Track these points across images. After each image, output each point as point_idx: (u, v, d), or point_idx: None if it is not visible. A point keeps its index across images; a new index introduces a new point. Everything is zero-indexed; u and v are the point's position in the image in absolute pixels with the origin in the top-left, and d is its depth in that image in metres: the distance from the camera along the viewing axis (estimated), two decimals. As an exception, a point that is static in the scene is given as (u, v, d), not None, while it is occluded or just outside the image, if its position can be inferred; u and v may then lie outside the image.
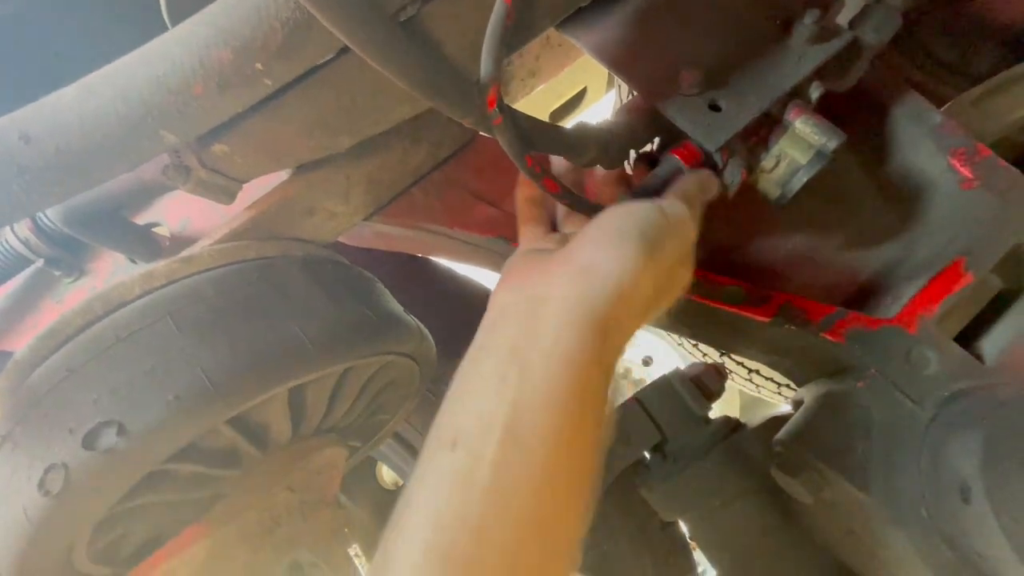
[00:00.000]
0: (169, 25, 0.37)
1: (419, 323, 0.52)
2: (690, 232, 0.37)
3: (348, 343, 0.42)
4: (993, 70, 1.01)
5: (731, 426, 0.58)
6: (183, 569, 0.46)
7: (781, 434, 0.45)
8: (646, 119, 0.49)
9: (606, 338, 0.31)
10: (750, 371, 1.41)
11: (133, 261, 0.59)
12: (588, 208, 0.43)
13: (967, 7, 0.93)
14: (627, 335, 0.33)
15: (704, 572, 0.77)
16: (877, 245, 0.53)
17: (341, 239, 0.57)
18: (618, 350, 0.32)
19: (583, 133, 0.46)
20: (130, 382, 0.34)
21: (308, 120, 0.37)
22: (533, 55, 0.59)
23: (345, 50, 0.35)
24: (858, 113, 0.53)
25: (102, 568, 0.42)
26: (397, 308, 0.51)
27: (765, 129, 0.46)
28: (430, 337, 0.53)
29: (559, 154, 0.45)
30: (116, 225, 0.53)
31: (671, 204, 0.37)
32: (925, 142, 0.49)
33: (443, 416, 0.31)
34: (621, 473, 0.59)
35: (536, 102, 0.92)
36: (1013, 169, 0.46)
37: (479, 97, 0.33)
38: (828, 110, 0.46)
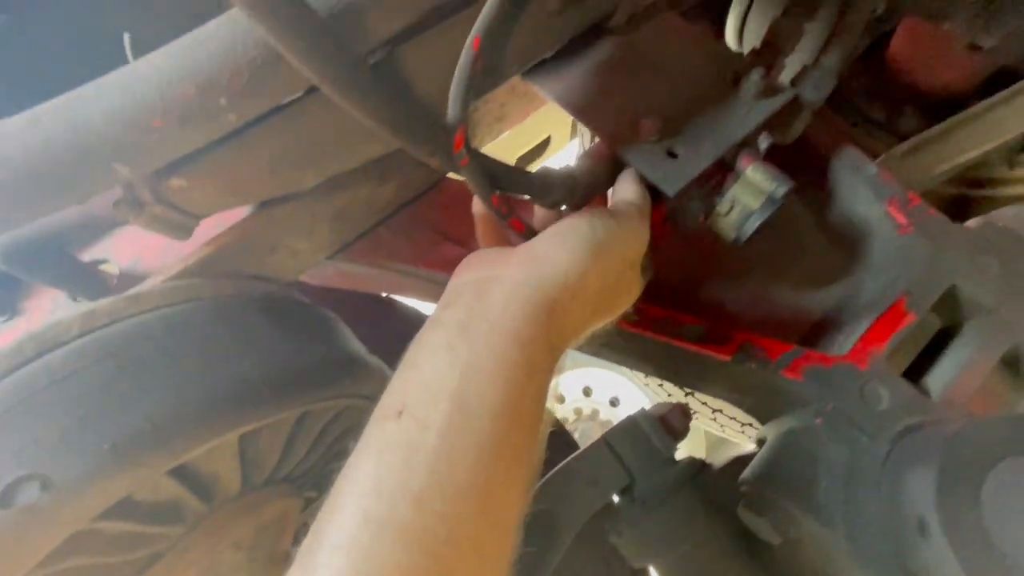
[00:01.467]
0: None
1: (382, 364, 0.51)
2: (640, 237, 0.41)
3: (305, 386, 0.41)
4: (917, 129, 1.11)
5: (697, 466, 0.58)
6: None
7: (746, 473, 0.45)
8: (608, 164, 0.51)
9: (551, 317, 0.33)
10: (714, 411, 1.43)
11: (75, 299, 0.56)
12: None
13: (891, 73, 1.03)
14: (574, 322, 0.35)
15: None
16: (828, 285, 0.56)
17: (303, 277, 0.56)
18: (563, 333, 0.34)
19: (548, 176, 0.47)
20: (60, 430, 0.31)
21: (272, 157, 0.37)
22: (499, 102, 0.61)
23: (312, 89, 0.35)
24: (804, 162, 0.57)
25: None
26: (359, 348, 0.50)
27: (719, 175, 0.49)
28: (393, 378, 0.52)
29: (526, 195, 0.46)
30: (58, 261, 0.50)
31: (623, 211, 0.41)
32: (864, 191, 0.53)
33: (390, 389, 0.31)
34: (588, 520, 0.58)
35: (503, 148, 0.95)
36: (942, 216, 0.49)
37: (446, 138, 0.34)
38: (777, 159, 0.49)
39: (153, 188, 0.37)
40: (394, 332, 0.86)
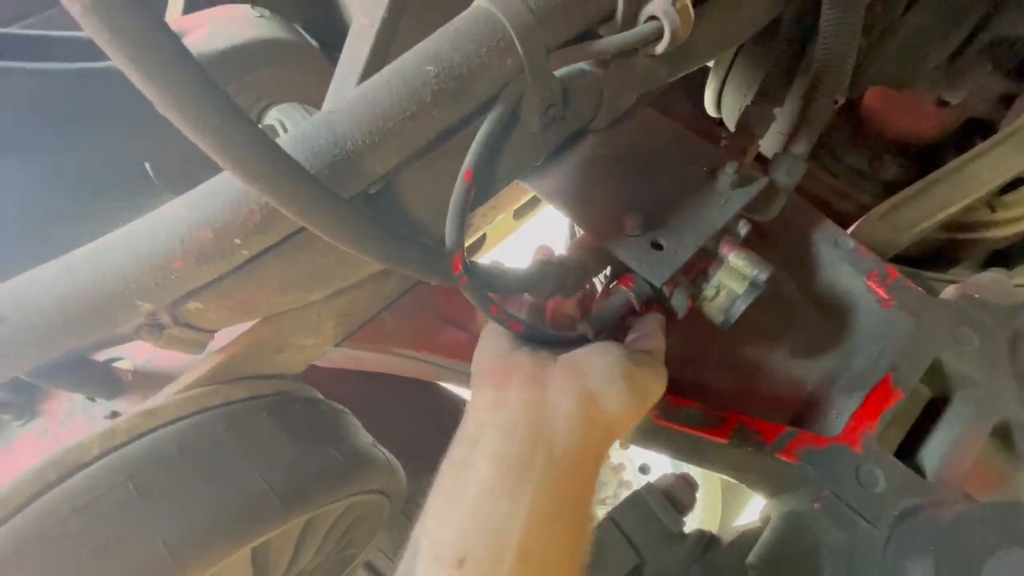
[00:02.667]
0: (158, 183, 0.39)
1: (388, 456, 0.52)
2: (663, 375, 0.42)
3: (315, 492, 0.42)
4: (898, 176, 1.15)
5: (705, 541, 0.57)
6: None
7: (752, 557, 0.45)
8: (596, 255, 0.54)
9: (599, 460, 0.35)
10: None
11: (91, 400, 0.57)
12: (552, 340, 0.46)
13: (868, 123, 1.08)
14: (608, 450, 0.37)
15: None
16: (818, 356, 0.57)
17: (320, 362, 0.58)
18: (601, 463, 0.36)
19: (541, 271, 0.50)
20: (80, 562, 0.33)
21: (283, 279, 0.39)
22: (493, 190, 0.65)
23: (319, 218, 0.38)
24: (787, 236, 0.60)
25: None
26: (366, 442, 0.51)
27: (704, 262, 0.52)
28: (400, 469, 0.53)
29: (523, 292, 0.48)
30: (73, 366, 0.52)
31: (657, 356, 0.43)
32: (844, 265, 0.55)
33: (442, 531, 0.31)
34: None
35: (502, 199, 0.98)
36: (920, 291, 0.51)
37: (445, 263, 0.37)
38: (762, 234, 0.52)
39: (172, 313, 0.39)
40: (400, 403, 0.87)
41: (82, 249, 0.34)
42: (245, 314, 0.42)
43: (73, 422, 0.55)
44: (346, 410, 0.54)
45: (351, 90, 0.36)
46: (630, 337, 0.46)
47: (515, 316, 0.43)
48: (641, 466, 1.85)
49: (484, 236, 1.00)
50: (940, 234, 0.89)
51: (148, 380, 0.54)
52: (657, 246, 0.50)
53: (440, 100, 0.34)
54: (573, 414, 0.35)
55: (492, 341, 0.44)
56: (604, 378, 0.37)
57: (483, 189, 0.42)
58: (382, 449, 0.52)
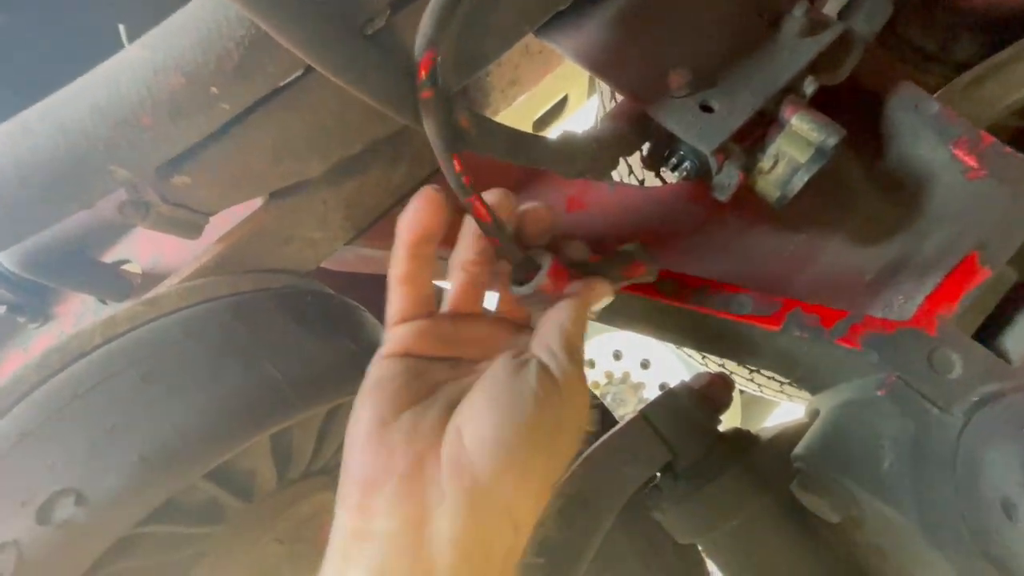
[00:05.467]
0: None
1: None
2: (582, 399, 0.30)
3: (331, 382, 0.39)
4: (973, 56, 1.00)
5: (744, 440, 0.55)
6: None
7: (800, 449, 0.42)
8: (635, 124, 0.47)
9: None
10: (751, 371, 1.39)
11: (103, 302, 0.56)
12: (520, 259, 0.33)
13: (943, -4, 0.93)
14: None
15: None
16: (882, 241, 0.51)
17: (326, 264, 0.54)
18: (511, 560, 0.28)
19: (570, 142, 0.44)
20: (90, 444, 0.31)
21: (274, 145, 0.34)
22: (512, 64, 0.57)
23: (310, 69, 0.32)
24: (853, 106, 0.51)
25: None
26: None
27: (760, 128, 0.44)
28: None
29: (545, 166, 0.42)
30: (80, 265, 0.50)
31: (573, 377, 0.30)
32: (925, 132, 0.47)
33: None
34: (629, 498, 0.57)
35: (516, 112, 0.90)
36: (1021, 156, 0.44)
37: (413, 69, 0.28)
38: (823, 104, 0.44)
39: (157, 188, 0.35)
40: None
41: (37, 106, 0.29)
42: (239, 190, 0.38)
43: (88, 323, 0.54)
44: (361, 307, 0.51)
45: None
46: (533, 338, 0.32)
47: (484, 202, 0.31)
48: (661, 384, 1.86)
49: (566, 98, 0.90)
50: (1019, 121, 0.78)
51: (156, 281, 0.51)
52: (707, 108, 0.43)
53: None
54: (461, 542, 0.26)
55: (373, 391, 0.31)
56: (487, 455, 0.27)
57: (501, 27, 0.35)
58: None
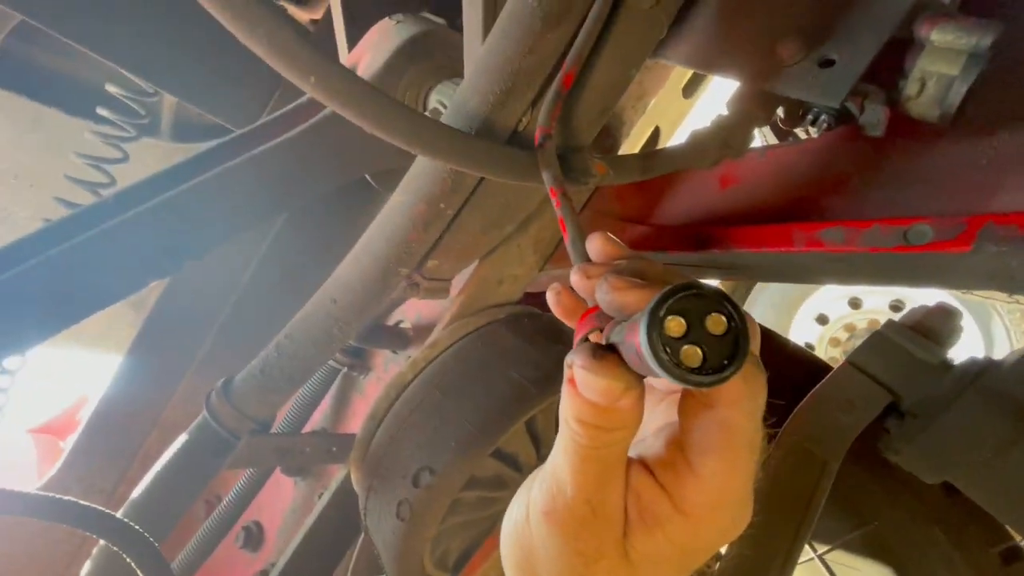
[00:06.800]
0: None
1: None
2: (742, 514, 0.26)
3: (555, 377, 0.53)
4: None
5: (979, 367, 0.51)
6: (492, 571, 0.61)
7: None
8: (759, 100, 0.50)
9: None
10: None
11: (394, 352, 0.81)
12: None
13: None
14: None
15: None
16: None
17: (529, 290, 0.70)
18: None
19: (698, 139, 0.50)
20: (428, 438, 0.50)
21: (481, 225, 0.50)
22: (636, 82, 0.64)
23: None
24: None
25: (443, 572, 0.59)
26: (586, 338, 0.61)
27: (894, 58, 0.44)
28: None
29: (682, 168, 0.49)
30: (379, 331, 0.74)
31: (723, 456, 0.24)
32: None
33: None
34: (863, 442, 0.57)
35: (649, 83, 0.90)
36: None
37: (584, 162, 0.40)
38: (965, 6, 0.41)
39: (420, 272, 0.54)
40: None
41: (357, 244, 0.50)
42: (466, 259, 0.55)
43: (392, 367, 0.79)
44: (564, 318, 0.64)
45: (479, 49, 0.42)
46: (672, 436, 0.26)
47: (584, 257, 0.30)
48: (892, 303, 1.58)
49: (657, 129, 0.97)
50: None
51: (420, 331, 0.73)
52: (827, 63, 0.44)
53: (548, 23, 0.38)
54: None
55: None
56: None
57: (615, 83, 0.44)
58: (602, 341, 0.61)
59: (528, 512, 0.27)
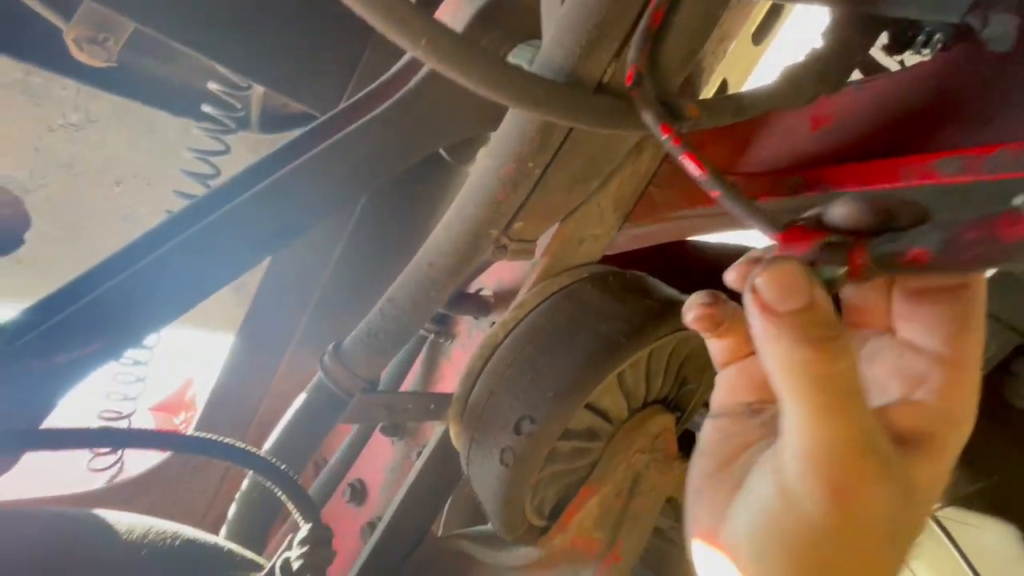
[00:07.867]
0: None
1: (694, 298, 0.60)
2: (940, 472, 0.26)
3: (643, 330, 0.54)
4: None
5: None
6: (587, 519, 0.63)
7: None
8: (859, 26, 0.47)
9: None
10: None
11: (476, 318, 0.84)
12: (762, 223, 0.28)
13: None
14: None
15: None
16: None
17: (607, 251, 0.70)
18: None
19: (792, 75, 0.48)
20: (525, 390, 0.53)
21: (567, 183, 0.51)
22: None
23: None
24: None
25: (540, 520, 0.63)
26: (673, 292, 0.61)
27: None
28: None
29: (775, 108, 0.48)
30: (463, 298, 0.77)
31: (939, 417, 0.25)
32: None
33: None
34: (986, 388, 0.54)
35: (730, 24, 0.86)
36: None
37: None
38: None
39: (507, 234, 0.56)
40: (691, 269, 0.94)
41: (450, 209, 0.52)
42: (550, 219, 0.56)
43: (475, 333, 0.82)
44: (645, 275, 0.64)
45: (558, 8, 0.43)
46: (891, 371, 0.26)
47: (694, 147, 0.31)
48: None
49: (725, 82, 0.94)
50: None
51: (501, 298, 0.76)
52: (940, -24, 0.41)
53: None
54: None
55: (694, 457, 0.29)
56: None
57: (690, 35, 0.43)
58: (686, 295, 0.61)
59: (796, 514, 0.23)
